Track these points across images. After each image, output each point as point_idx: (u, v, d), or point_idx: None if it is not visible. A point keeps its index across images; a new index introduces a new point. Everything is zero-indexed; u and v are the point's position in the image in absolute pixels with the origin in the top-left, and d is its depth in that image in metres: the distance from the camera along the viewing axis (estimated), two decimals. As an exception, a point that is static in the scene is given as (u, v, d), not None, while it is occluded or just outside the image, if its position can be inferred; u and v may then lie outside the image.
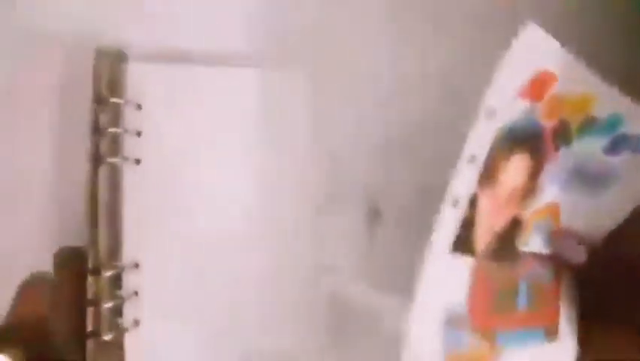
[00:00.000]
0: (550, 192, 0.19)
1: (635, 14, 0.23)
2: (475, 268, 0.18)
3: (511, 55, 0.15)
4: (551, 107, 0.17)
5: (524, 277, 0.20)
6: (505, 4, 0.23)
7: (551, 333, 0.21)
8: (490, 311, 0.19)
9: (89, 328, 0.20)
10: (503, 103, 0.16)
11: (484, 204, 0.18)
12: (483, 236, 0.18)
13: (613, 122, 0.18)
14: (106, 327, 0.20)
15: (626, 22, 0.24)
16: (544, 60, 0.16)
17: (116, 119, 0.21)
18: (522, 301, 0.20)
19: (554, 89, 0.17)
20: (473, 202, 0.17)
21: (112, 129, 0.21)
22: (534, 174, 0.19)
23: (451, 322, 0.18)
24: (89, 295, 0.21)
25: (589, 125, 0.18)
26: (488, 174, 0.17)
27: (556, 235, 0.20)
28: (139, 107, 0.21)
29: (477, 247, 0.18)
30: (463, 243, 0.18)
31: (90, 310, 0.20)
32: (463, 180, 0.17)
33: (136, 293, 0.21)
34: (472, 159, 0.17)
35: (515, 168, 0.18)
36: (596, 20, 0.24)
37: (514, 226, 0.19)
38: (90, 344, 0.20)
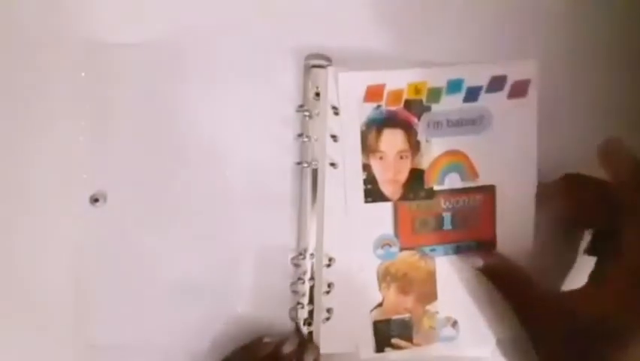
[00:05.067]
0: (439, 144, 0.27)
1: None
2: (395, 208, 0.27)
3: (342, 88, 0.26)
4: (392, 99, 0.27)
5: (446, 208, 0.27)
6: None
7: (485, 244, 0.27)
8: (415, 233, 0.27)
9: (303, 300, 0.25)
10: (355, 111, 0.26)
11: (375, 166, 0.27)
12: (388, 186, 0.27)
13: (454, 84, 0.27)
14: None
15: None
16: (367, 81, 0.26)
17: (320, 125, 0.25)
18: (447, 225, 0.27)
19: (387, 89, 0.26)
20: (367, 168, 0.27)
21: (316, 136, 0.25)
22: (409, 137, 0.27)
23: (383, 244, 0.27)
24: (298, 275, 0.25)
25: (435, 94, 0.27)
26: (369, 149, 0.27)
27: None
28: (336, 112, 0.25)
29: (387, 194, 0.27)
30: (371, 195, 0.27)
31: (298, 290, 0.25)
32: (352, 158, 0.27)
33: (330, 285, 0.26)
34: (353, 146, 0.27)
35: (389, 139, 0.27)
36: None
37: (414, 175, 0.27)
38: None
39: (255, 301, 0.27)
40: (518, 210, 0.27)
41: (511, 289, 0.25)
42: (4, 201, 0.26)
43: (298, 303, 0.26)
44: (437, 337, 0.28)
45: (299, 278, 0.26)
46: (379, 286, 0.27)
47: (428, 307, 0.28)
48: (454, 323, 0.28)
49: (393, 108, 0.27)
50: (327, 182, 0.26)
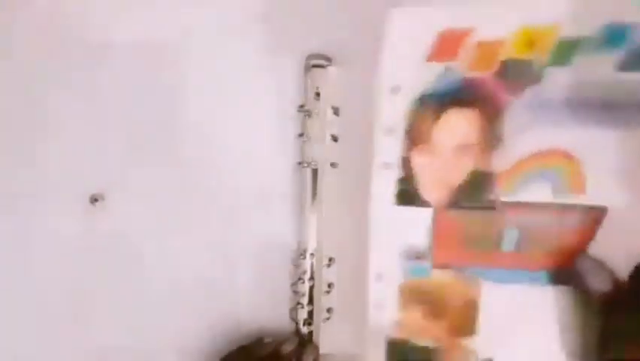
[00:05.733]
0: (540, 139, 0.17)
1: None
2: (436, 216, 0.20)
3: (393, 34, 0.17)
4: (479, 58, 0.17)
5: (513, 224, 0.19)
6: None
7: (558, 277, 0.20)
8: (457, 250, 0.21)
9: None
10: (407, 76, 0.18)
11: (418, 163, 0.20)
12: (433, 189, 0.20)
13: (610, 35, 0.15)
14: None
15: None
16: (442, 22, 0.16)
17: (320, 125, 0.24)
18: (508, 245, 0.20)
19: (474, 40, 0.16)
20: (406, 163, 0.20)
21: (316, 135, 0.24)
22: (487, 125, 0.18)
23: (411, 256, 0.21)
24: (298, 275, 0.25)
25: (565, 50, 0.15)
26: (415, 139, 0.19)
27: (580, 258, 0.18)
28: (336, 112, 0.23)
29: (427, 198, 0.20)
30: (406, 197, 0.21)
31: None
32: (386, 148, 0.20)
33: (330, 285, 0.24)
34: (390, 131, 0.19)
35: (450, 125, 0.18)
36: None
37: (476, 178, 0.19)
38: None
39: (255, 301, 0.27)
40: (631, 248, 0.18)
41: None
42: (5, 201, 0.27)
43: (298, 303, 0.26)
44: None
45: (299, 278, 0.25)
46: (400, 303, 0.22)
47: (463, 341, 0.22)
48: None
49: (475, 75, 0.16)
50: (336, 177, 0.23)
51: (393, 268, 0.22)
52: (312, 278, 0.25)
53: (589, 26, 0.15)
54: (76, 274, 0.28)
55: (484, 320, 0.21)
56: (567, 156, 0.17)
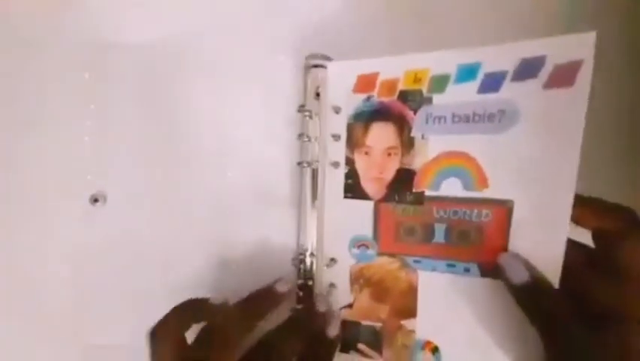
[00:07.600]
0: (437, 143, 0.23)
1: None
2: (376, 208, 0.25)
3: (331, 77, 0.25)
4: (385, 89, 0.24)
5: (440, 217, 0.23)
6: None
7: (488, 269, 0.22)
8: (398, 239, 0.25)
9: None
10: (343, 101, 0.25)
11: (358, 162, 0.26)
12: (370, 184, 0.25)
13: (467, 71, 0.22)
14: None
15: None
16: (358, 70, 0.25)
17: (321, 125, 0.25)
18: (439, 238, 0.24)
19: (380, 79, 0.24)
20: (350, 162, 0.26)
21: (316, 136, 0.25)
22: (401, 133, 0.24)
23: (359, 243, 0.26)
24: (298, 275, 0.25)
25: (440, 83, 0.23)
26: (354, 143, 0.26)
27: (502, 254, 0.21)
28: (337, 111, 0.25)
29: (367, 192, 0.25)
30: (351, 190, 0.26)
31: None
32: (335, 151, 0.26)
33: (333, 285, 0.25)
34: (337, 137, 0.26)
35: (377, 133, 0.25)
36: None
37: (402, 175, 0.24)
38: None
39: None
40: (543, 237, 0.21)
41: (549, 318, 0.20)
42: (6, 201, 0.27)
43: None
44: (410, 358, 0.25)
45: (299, 278, 0.26)
46: (351, 286, 0.26)
47: (404, 322, 0.25)
48: (435, 350, 0.24)
49: (385, 100, 0.24)
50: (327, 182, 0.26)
51: (344, 253, 0.26)
52: (311, 278, 0.25)
53: (449, 66, 0.22)
54: (76, 273, 0.27)
55: (422, 304, 0.25)
56: (467, 157, 0.23)
